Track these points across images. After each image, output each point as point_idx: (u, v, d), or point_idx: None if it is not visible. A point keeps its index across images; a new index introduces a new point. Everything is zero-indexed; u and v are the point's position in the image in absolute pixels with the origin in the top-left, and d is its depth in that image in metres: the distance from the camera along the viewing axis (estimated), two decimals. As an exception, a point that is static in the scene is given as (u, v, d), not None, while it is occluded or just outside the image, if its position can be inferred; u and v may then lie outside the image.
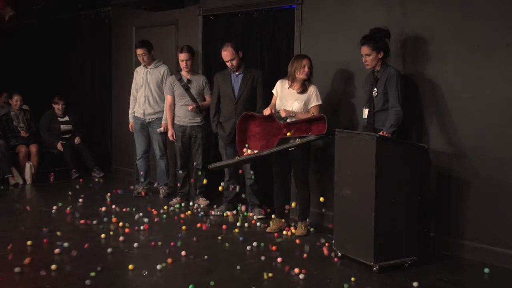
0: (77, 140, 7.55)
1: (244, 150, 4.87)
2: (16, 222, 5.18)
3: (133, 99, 6.40)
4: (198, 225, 5.10)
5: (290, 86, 4.82)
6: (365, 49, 4.35)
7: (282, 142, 4.70)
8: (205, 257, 4.19)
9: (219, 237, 4.76)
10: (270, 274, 3.81)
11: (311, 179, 5.05)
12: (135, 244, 4.48)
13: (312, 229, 4.99)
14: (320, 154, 5.21)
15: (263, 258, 4.19)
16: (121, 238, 4.65)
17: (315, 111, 4.73)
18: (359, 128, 4.79)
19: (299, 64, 4.73)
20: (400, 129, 4.36)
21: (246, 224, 5.19)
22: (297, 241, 4.71)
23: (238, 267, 4.01)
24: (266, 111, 4.79)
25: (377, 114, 4.40)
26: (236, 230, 5.00)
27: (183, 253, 4.24)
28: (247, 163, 5.28)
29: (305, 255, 4.27)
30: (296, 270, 3.84)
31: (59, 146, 7.40)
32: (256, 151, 4.78)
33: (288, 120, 4.74)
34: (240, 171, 5.48)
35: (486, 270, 3.98)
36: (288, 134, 4.71)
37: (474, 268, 4.09)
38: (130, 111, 6.43)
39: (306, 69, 4.71)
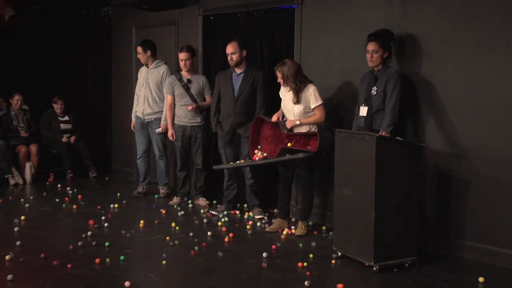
0: (72, 139, 7.54)
1: (256, 151, 4.96)
2: (13, 223, 5.18)
3: (136, 98, 6.40)
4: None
5: (290, 89, 4.82)
6: (373, 45, 4.35)
7: (283, 152, 4.78)
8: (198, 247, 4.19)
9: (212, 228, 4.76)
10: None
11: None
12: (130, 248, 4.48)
13: (324, 228, 5.02)
14: (320, 154, 5.20)
15: (263, 258, 4.20)
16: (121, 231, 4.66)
17: (318, 111, 4.73)
18: (354, 127, 4.78)
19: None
20: (400, 129, 4.36)
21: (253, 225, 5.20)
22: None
23: (238, 267, 4.01)
24: (274, 118, 4.87)
25: (375, 115, 4.40)
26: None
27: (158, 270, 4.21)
28: (247, 167, 5.34)
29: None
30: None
31: (64, 139, 7.42)
32: (265, 154, 4.89)
33: (294, 130, 4.77)
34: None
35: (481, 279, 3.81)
36: (289, 144, 4.75)
37: (474, 268, 4.09)
38: (133, 111, 6.44)
39: (279, 79, 4.77)
